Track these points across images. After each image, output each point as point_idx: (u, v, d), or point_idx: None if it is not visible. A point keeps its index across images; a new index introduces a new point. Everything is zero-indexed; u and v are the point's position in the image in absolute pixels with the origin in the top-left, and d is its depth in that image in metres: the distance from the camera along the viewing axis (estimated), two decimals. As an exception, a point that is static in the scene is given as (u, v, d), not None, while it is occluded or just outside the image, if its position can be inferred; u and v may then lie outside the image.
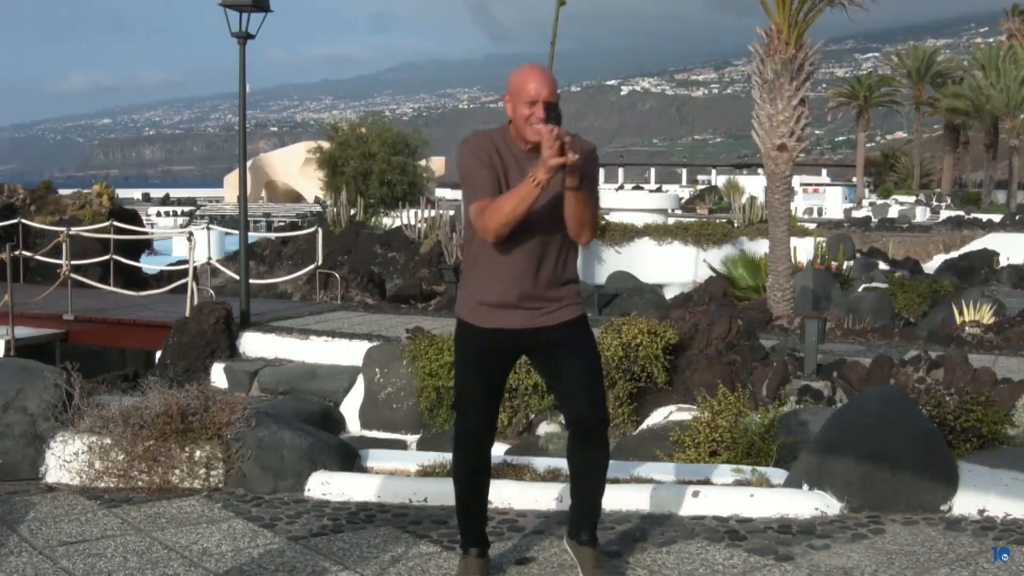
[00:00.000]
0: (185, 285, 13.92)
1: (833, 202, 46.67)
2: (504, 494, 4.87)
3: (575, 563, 3.86)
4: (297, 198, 61.92)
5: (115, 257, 16.64)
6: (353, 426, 9.99)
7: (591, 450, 3.80)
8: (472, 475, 3.80)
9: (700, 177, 76.94)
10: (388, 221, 25.58)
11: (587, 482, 3.85)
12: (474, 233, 3.65)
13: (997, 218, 37.99)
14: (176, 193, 71.81)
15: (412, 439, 9.48)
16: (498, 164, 3.61)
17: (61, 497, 5.00)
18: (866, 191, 59.26)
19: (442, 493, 4.97)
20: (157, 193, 70.20)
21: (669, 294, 17.37)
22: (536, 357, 3.82)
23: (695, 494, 4.80)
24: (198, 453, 5.17)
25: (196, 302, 12.90)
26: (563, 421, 3.98)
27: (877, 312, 14.43)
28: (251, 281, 13.48)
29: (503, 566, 4.02)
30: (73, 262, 14.65)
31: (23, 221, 17.92)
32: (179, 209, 56.08)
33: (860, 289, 16.80)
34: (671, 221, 24.51)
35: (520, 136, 3.61)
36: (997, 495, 4.57)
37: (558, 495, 4.81)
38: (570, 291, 3.77)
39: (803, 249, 20.03)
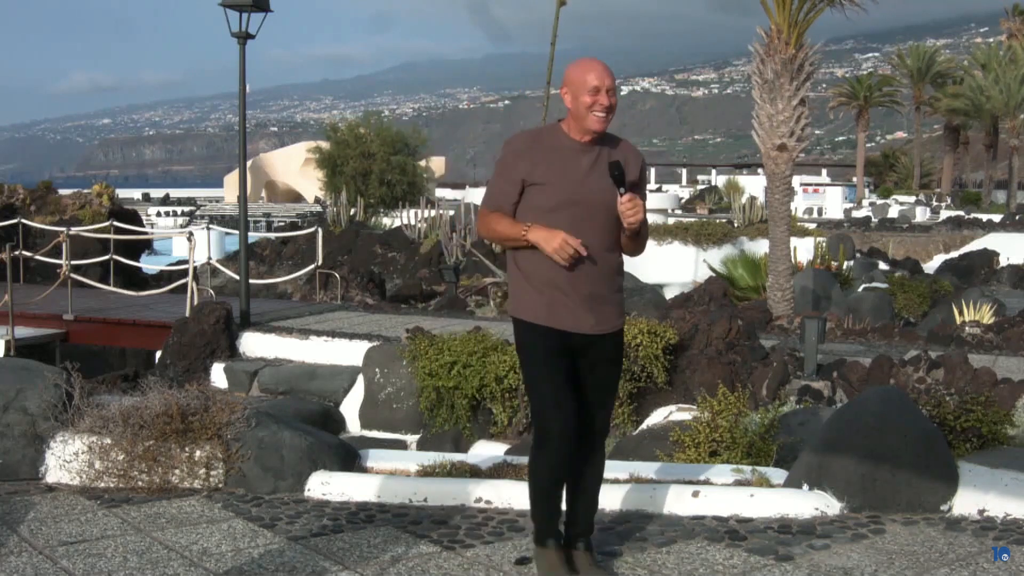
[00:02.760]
0: (185, 285, 13.92)
1: (833, 202, 46.66)
2: (504, 494, 4.87)
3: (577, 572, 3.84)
4: (297, 198, 61.97)
5: (115, 257, 16.64)
6: (353, 426, 9.99)
7: (594, 456, 3.87)
8: (559, 476, 3.78)
9: (700, 177, 76.93)
10: (388, 221, 25.60)
11: (589, 485, 3.89)
12: (527, 215, 3.68)
13: (997, 218, 37.99)
14: (176, 193, 71.85)
15: (412, 439, 9.48)
16: (543, 165, 3.63)
17: (61, 497, 5.00)
18: (866, 191, 59.27)
19: (442, 493, 4.98)
20: (157, 193, 70.24)
21: (669, 294, 17.36)
22: (582, 362, 3.77)
23: (695, 494, 4.80)
24: (198, 453, 5.17)
25: (196, 302, 12.90)
26: None
27: (877, 312, 14.43)
28: (251, 281, 13.48)
29: (503, 566, 4.03)
30: (73, 262, 14.65)
31: (23, 221, 17.92)
32: (179, 209, 56.12)
33: (860, 289, 16.80)
34: (671, 221, 24.53)
35: (579, 127, 3.67)
36: (997, 495, 4.57)
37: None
38: (620, 291, 3.85)
39: (803, 249, 20.02)
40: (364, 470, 5.51)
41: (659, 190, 56.16)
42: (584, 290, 3.65)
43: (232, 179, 62.17)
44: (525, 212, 3.65)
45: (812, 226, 27.83)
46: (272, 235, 25.64)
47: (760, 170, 32.04)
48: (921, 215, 42.04)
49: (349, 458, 5.52)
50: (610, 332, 3.75)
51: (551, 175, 3.63)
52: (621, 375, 3.95)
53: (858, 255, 23.50)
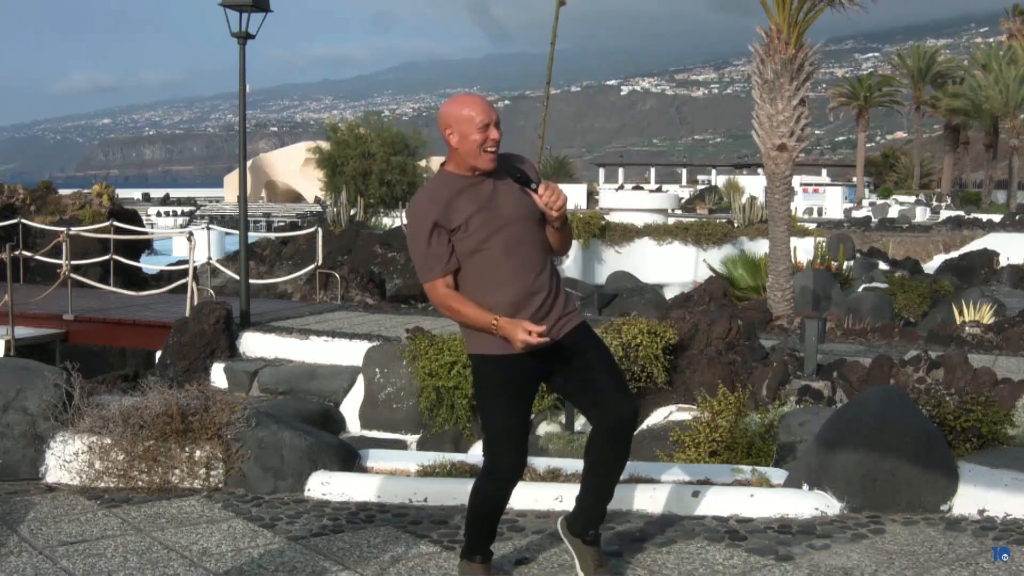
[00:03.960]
0: (185, 285, 13.92)
1: (833, 202, 46.62)
2: (504, 494, 4.87)
3: (573, 559, 3.85)
4: (297, 198, 61.95)
5: (115, 257, 16.63)
6: (353, 426, 9.99)
7: (622, 447, 3.77)
8: (499, 504, 3.79)
9: (700, 177, 76.91)
10: (388, 221, 25.58)
11: (608, 481, 3.83)
12: (465, 261, 3.62)
13: (997, 218, 37.99)
14: (176, 193, 71.83)
15: (412, 439, 9.48)
16: (457, 215, 3.58)
17: (61, 497, 5.00)
18: (866, 191, 59.27)
19: (442, 493, 4.98)
20: (157, 193, 70.22)
21: (669, 294, 17.39)
22: (559, 370, 3.76)
23: (695, 494, 4.80)
24: (198, 453, 5.17)
25: (196, 302, 12.90)
26: (583, 422, 3.99)
27: (877, 312, 14.43)
28: (251, 281, 13.48)
29: (503, 566, 4.03)
30: (73, 262, 14.65)
31: (23, 221, 17.91)
32: (179, 209, 56.11)
33: (860, 289, 16.81)
34: (671, 221, 24.52)
35: (467, 164, 3.62)
36: (997, 495, 4.57)
37: (558, 495, 4.81)
38: (568, 299, 3.80)
39: (803, 249, 20.03)
40: (364, 470, 5.51)
41: (659, 190, 56.16)
42: (533, 307, 3.63)
43: (232, 179, 62.16)
44: (462, 260, 3.61)
45: (812, 226, 27.83)
46: (272, 235, 25.62)
47: (760, 170, 32.02)
48: (921, 215, 42.04)
49: (349, 458, 5.52)
50: (570, 331, 3.72)
51: (464, 216, 3.58)
52: (612, 357, 3.86)
53: (858, 255, 23.52)
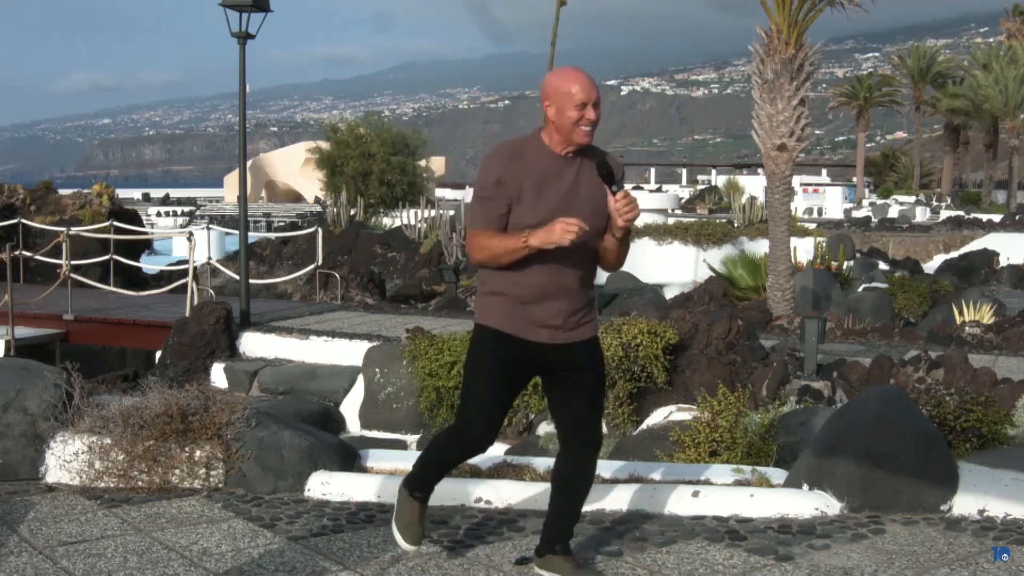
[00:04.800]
0: (185, 285, 13.93)
1: (833, 202, 46.63)
2: (504, 494, 4.87)
3: None
4: (297, 198, 61.94)
5: (115, 257, 16.64)
6: (353, 426, 9.99)
7: (586, 466, 3.83)
8: (454, 462, 3.91)
9: (700, 177, 76.91)
10: (388, 221, 25.60)
11: (575, 496, 3.86)
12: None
13: (997, 218, 37.98)
14: (176, 193, 71.88)
15: (412, 439, 9.48)
16: (526, 179, 3.55)
17: (61, 497, 5.00)
18: (866, 191, 59.26)
19: (442, 493, 4.96)
20: (157, 193, 70.24)
21: (669, 294, 17.36)
22: (553, 374, 3.76)
23: (695, 494, 4.80)
24: (198, 453, 5.17)
25: (196, 302, 12.90)
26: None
27: (877, 312, 14.43)
28: (251, 281, 13.48)
29: (503, 566, 4.03)
30: (73, 262, 14.65)
31: (23, 221, 17.92)
32: (179, 209, 56.12)
33: (860, 289, 16.80)
34: (671, 221, 24.49)
35: (562, 139, 3.58)
36: (997, 495, 4.57)
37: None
38: (591, 303, 3.78)
39: (803, 249, 20.01)
40: (364, 470, 5.51)
41: (659, 190, 56.16)
42: (555, 304, 3.61)
43: (232, 179, 62.17)
44: (510, 229, 3.58)
45: (812, 226, 27.80)
46: (272, 235, 25.64)
47: (760, 170, 32.00)
48: (921, 215, 42.03)
49: (349, 458, 5.52)
50: (580, 341, 3.70)
51: (535, 190, 3.55)
52: (604, 386, 3.84)
53: (858, 255, 23.50)
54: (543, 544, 3.89)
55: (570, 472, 3.83)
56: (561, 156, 3.60)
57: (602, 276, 21.14)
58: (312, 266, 16.47)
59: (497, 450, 7.90)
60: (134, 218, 21.07)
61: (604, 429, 8.56)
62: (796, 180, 35.83)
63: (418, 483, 3.88)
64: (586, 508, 4.74)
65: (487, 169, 3.59)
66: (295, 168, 62.55)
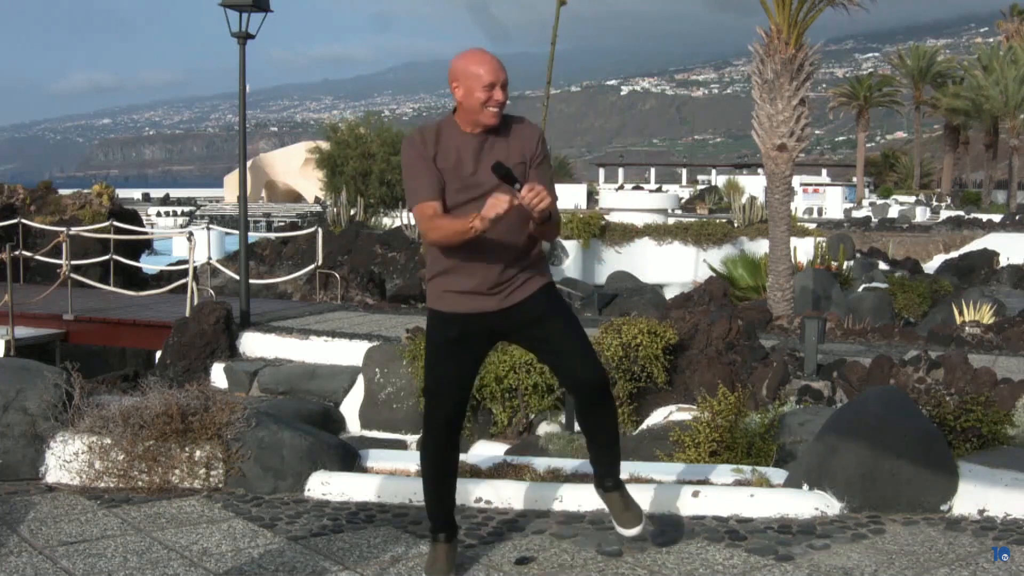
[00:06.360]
0: (185, 285, 13.93)
1: (833, 202, 46.63)
2: (504, 494, 4.87)
3: (607, 510, 4.06)
4: (297, 198, 61.91)
5: (115, 257, 16.64)
6: (353, 426, 9.99)
7: (600, 409, 3.87)
8: (444, 462, 3.86)
9: (700, 177, 76.88)
10: (388, 221, 25.57)
11: (603, 439, 3.94)
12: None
13: (997, 218, 38.00)
14: (176, 193, 71.82)
15: (412, 439, 9.48)
16: (442, 159, 3.61)
17: (61, 497, 5.00)
18: (866, 191, 59.27)
19: (442, 493, 4.97)
20: (157, 193, 70.21)
21: (669, 294, 17.38)
22: (517, 335, 3.83)
23: (695, 494, 4.80)
24: (198, 453, 5.17)
25: (196, 302, 12.90)
26: (566, 394, 4.13)
27: (877, 312, 14.44)
28: (251, 281, 13.48)
29: (503, 566, 4.03)
30: (73, 262, 14.65)
31: (23, 221, 17.91)
32: (179, 209, 56.10)
33: (860, 289, 16.81)
34: (671, 221, 24.51)
35: (472, 120, 3.63)
36: (997, 495, 4.57)
37: (558, 495, 4.81)
38: (534, 262, 3.76)
39: (803, 249, 20.04)
40: (364, 470, 5.51)
41: (659, 190, 56.16)
42: (493, 274, 3.65)
43: (232, 179, 62.15)
44: None
45: (812, 226, 27.83)
46: (272, 235, 25.61)
47: (760, 170, 31.99)
48: (921, 215, 42.04)
49: (349, 458, 5.52)
50: (527, 297, 3.72)
51: (452, 171, 3.61)
52: (576, 324, 3.81)
53: (858, 255, 23.51)
54: (596, 480, 4.06)
55: (588, 414, 3.89)
56: (472, 136, 3.64)
57: (602, 276, 21.19)
58: (312, 266, 16.47)
59: (497, 450, 7.91)
60: (134, 218, 21.07)
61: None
62: (796, 180, 35.82)
63: (431, 517, 3.91)
64: (586, 508, 4.75)
65: (407, 153, 3.64)
66: (295, 168, 62.53)
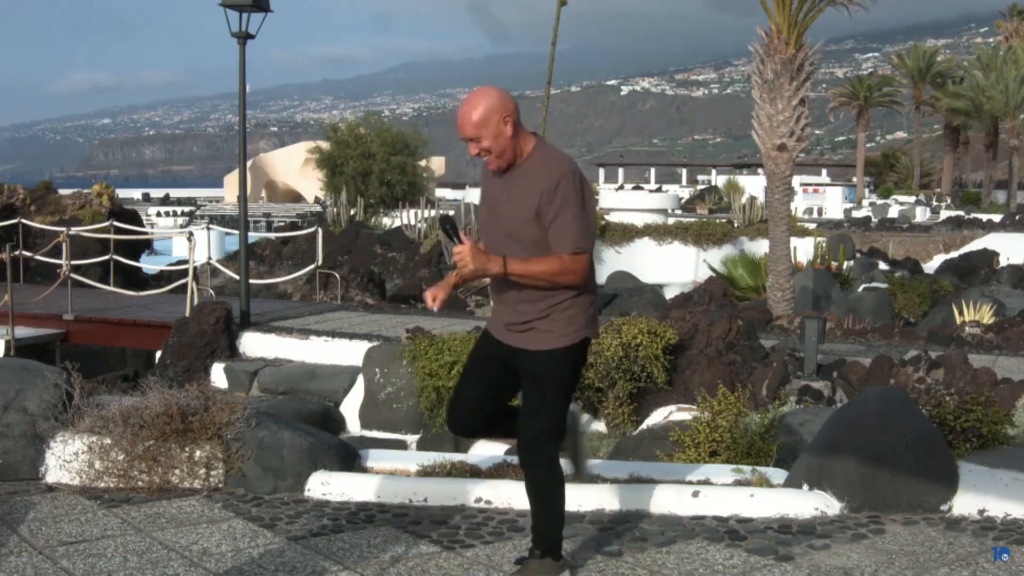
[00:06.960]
0: (185, 285, 13.93)
1: (833, 202, 46.64)
2: (504, 494, 4.87)
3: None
4: (297, 198, 61.92)
5: (115, 257, 16.63)
6: (353, 426, 9.98)
7: (524, 466, 3.85)
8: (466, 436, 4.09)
9: (700, 177, 76.88)
10: (388, 221, 25.58)
11: (529, 499, 3.88)
12: None
13: (997, 218, 37.99)
14: (176, 193, 71.83)
15: (412, 439, 9.48)
16: (481, 196, 3.92)
17: (61, 497, 5.00)
18: (866, 191, 59.26)
19: (442, 493, 4.98)
20: (157, 193, 70.21)
21: (669, 294, 17.36)
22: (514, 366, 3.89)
23: (695, 494, 4.80)
24: (198, 453, 5.17)
25: (196, 302, 12.90)
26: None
27: (877, 312, 14.43)
28: (251, 281, 13.47)
29: (503, 566, 4.03)
30: (73, 262, 14.65)
31: (23, 221, 17.90)
32: (179, 209, 56.10)
33: (860, 289, 16.80)
34: (671, 221, 24.50)
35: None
36: (997, 495, 4.57)
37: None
38: (551, 316, 3.70)
39: (803, 249, 20.03)
40: (364, 470, 5.51)
41: (659, 190, 56.17)
42: (507, 305, 3.79)
43: (232, 179, 62.15)
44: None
45: (812, 226, 27.82)
46: (272, 235, 25.62)
47: (760, 170, 32.00)
48: (921, 215, 42.03)
49: (349, 458, 5.52)
50: (522, 348, 3.76)
51: (483, 205, 3.84)
52: (538, 396, 3.77)
53: (858, 255, 23.50)
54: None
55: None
56: (495, 174, 3.76)
57: (602, 276, 21.18)
58: (312, 266, 16.46)
59: (497, 450, 7.91)
60: (134, 218, 21.06)
61: (603, 428, 8.58)
62: (796, 180, 35.83)
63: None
64: (586, 508, 4.75)
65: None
66: (295, 168, 62.54)
